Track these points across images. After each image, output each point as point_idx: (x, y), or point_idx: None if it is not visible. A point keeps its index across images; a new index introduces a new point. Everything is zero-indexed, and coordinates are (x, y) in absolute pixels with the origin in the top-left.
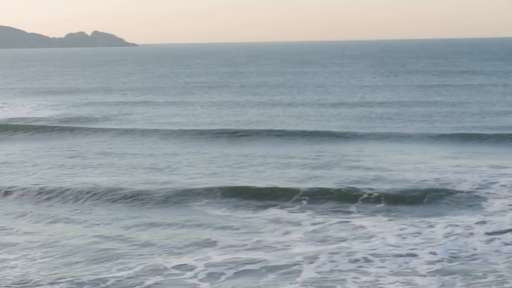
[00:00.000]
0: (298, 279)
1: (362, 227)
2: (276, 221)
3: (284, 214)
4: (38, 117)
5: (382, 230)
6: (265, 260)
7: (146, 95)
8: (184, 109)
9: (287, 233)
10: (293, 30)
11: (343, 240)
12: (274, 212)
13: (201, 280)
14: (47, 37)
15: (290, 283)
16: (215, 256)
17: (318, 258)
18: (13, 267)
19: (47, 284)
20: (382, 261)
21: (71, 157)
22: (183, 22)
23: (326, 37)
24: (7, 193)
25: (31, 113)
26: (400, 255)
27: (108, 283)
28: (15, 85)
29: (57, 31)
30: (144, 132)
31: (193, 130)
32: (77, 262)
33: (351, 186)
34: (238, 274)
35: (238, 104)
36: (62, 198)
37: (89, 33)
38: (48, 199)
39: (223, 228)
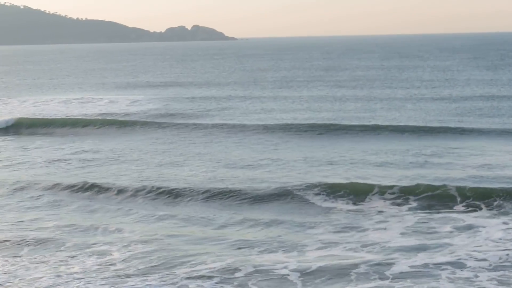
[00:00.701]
0: (389, 273)
1: (463, 221)
2: (377, 215)
3: (385, 209)
4: (138, 111)
5: (484, 225)
6: (361, 254)
7: (244, 89)
8: (283, 103)
9: (387, 227)
10: (389, 23)
11: (443, 234)
12: (375, 205)
13: (291, 270)
14: (148, 31)
15: (380, 277)
16: (310, 249)
17: (415, 252)
18: (113, 260)
19: (142, 275)
20: (483, 256)
21: (172, 152)
22: (282, 15)
23: (423, 30)
24: (111, 190)
25: (131, 107)
26: (502, 250)
27: (200, 273)
28: (116, 79)
29: (158, 26)
30: (243, 127)
31: (291, 125)
32: (173, 254)
33: (452, 181)
34: (330, 266)
35: (336, 98)
36: (162, 194)
37: (189, 27)
38: (150, 195)
39: (321, 223)
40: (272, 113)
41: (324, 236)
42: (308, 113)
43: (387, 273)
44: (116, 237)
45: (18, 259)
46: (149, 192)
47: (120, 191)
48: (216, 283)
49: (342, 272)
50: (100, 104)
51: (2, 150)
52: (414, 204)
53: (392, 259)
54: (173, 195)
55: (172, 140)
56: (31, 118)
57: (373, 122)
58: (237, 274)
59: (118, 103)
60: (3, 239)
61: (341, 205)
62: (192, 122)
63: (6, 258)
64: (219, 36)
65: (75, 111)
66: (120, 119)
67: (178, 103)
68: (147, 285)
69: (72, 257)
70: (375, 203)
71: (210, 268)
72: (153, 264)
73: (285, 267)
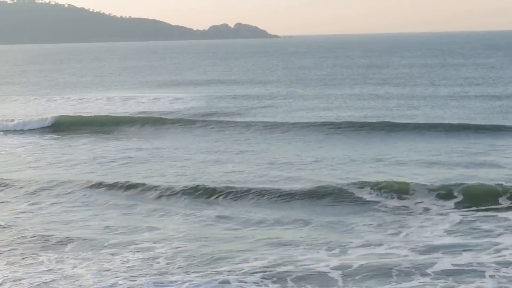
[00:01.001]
0: (431, 271)
1: (509, 220)
2: (422, 213)
3: (430, 207)
4: (181, 109)
5: None
6: (404, 252)
7: (287, 87)
8: (326, 101)
9: (431, 225)
10: (433, 20)
11: (489, 233)
12: (420, 203)
13: (333, 268)
14: (191, 29)
15: (422, 275)
16: (353, 247)
17: (460, 250)
18: (156, 258)
19: (184, 273)
20: None
21: (215, 150)
22: (325, 13)
23: (465, 27)
24: (154, 188)
25: (174, 105)
26: None
27: (244, 271)
28: (159, 77)
29: (201, 24)
30: (286, 125)
31: (334, 123)
32: (215, 252)
33: (498, 179)
34: (371, 264)
35: (379, 96)
36: (204, 193)
37: (232, 25)
38: (192, 194)
39: (365, 221)
40: (315, 111)
41: (367, 234)
42: (350, 111)
43: (429, 271)
44: (159, 235)
45: (62, 256)
46: (192, 190)
47: (163, 189)
48: (257, 279)
49: (383, 270)
50: (142, 101)
51: (46, 149)
52: (459, 202)
53: (435, 257)
54: (216, 193)
55: (214, 138)
56: (74, 116)
57: (416, 120)
58: (278, 270)
59: (161, 101)
60: (48, 237)
61: (386, 203)
62: (235, 120)
63: (50, 255)
64: (262, 34)
65: (118, 109)
66: (162, 117)
67: (220, 101)
68: (189, 281)
69: (116, 254)
70: (420, 201)
71: (252, 266)
72: (195, 262)
73: (327, 265)
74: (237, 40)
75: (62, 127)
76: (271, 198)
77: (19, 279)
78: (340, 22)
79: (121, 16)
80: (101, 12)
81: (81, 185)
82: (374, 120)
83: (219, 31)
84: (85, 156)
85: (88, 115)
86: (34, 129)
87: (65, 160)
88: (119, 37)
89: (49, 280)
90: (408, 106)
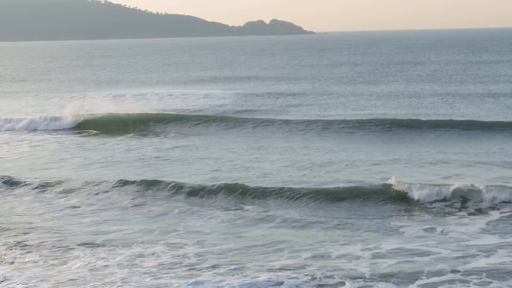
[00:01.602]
0: (463, 268)
1: None
2: (461, 211)
3: (468, 203)
4: (215, 105)
5: None
6: (438, 250)
7: (321, 84)
8: (361, 98)
9: (469, 223)
10: (467, 16)
11: None
12: (458, 201)
13: (363, 267)
14: (226, 26)
15: (453, 271)
16: (388, 243)
17: (496, 248)
18: (187, 255)
19: (214, 268)
20: None
21: (250, 146)
22: (361, 10)
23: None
24: (187, 188)
25: (208, 101)
26: None
27: (275, 268)
28: (193, 73)
29: (236, 20)
30: (320, 123)
31: (370, 120)
32: (248, 248)
33: None
34: (404, 261)
35: (415, 94)
36: (238, 192)
37: (267, 21)
38: (226, 193)
39: (403, 219)
40: (350, 108)
41: (403, 230)
42: (386, 109)
43: (461, 268)
44: (191, 233)
45: (94, 253)
46: (227, 189)
47: (198, 188)
48: (288, 274)
49: (415, 266)
50: (177, 98)
51: (79, 147)
52: (498, 201)
53: (469, 255)
54: (251, 192)
55: (250, 136)
56: (108, 113)
57: (452, 117)
58: (310, 268)
59: (196, 98)
60: (80, 235)
61: (423, 200)
62: (271, 118)
63: (82, 252)
64: (298, 30)
65: (153, 106)
66: (197, 114)
67: (256, 98)
68: (220, 278)
69: (147, 251)
70: (458, 199)
71: (284, 263)
72: (227, 259)
73: (359, 261)
74: (272, 37)
75: (96, 124)
76: (307, 197)
77: (51, 276)
78: (377, 19)
79: (157, 13)
80: (137, 8)
81: (115, 183)
82: (410, 118)
83: (254, 28)
84: (119, 154)
85: (122, 112)
86: (67, 127)
87: (99, 158)
88: (155, 34)
89: (81, 276)
90: (443, 103)
